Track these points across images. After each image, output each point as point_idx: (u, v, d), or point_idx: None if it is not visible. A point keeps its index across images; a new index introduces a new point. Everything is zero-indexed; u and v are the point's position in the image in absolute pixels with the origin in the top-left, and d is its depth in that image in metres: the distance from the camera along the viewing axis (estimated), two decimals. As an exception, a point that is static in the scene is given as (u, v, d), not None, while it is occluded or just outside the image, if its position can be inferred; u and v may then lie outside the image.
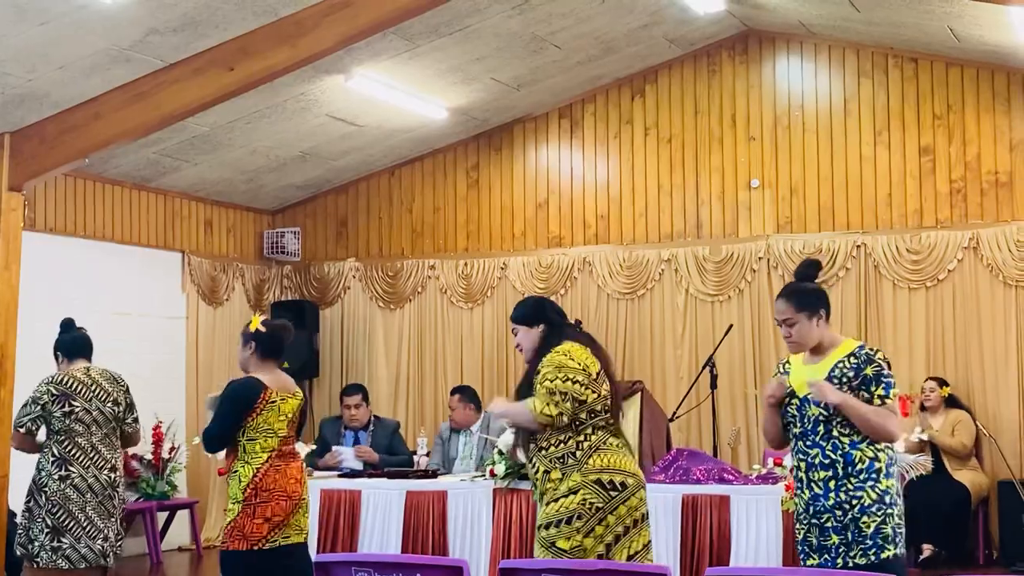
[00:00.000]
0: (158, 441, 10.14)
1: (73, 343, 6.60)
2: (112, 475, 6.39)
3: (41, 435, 6.40)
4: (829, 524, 4.57)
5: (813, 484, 4.60)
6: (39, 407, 6.34)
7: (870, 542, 4.50)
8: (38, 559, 6.27)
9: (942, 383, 9.35)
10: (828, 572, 4.35)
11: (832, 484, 4.55)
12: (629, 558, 4.84)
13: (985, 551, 9.26)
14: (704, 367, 8.72)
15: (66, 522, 6.26)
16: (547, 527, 4.88)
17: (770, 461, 7.20)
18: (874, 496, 4.51)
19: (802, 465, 4.67)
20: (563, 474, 4.90)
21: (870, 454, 4.53)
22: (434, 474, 7.78)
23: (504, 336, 10.84)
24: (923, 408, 9.33)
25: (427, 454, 8.46)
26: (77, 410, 6.33)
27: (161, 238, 10.97)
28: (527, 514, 6.99)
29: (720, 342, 9.31)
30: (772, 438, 4.88)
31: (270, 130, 10.18)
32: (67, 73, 8.19)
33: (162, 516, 10.39)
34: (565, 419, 4.90)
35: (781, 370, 4.85)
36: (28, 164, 6.54)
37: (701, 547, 6.76)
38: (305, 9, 5.95)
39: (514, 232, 11.31)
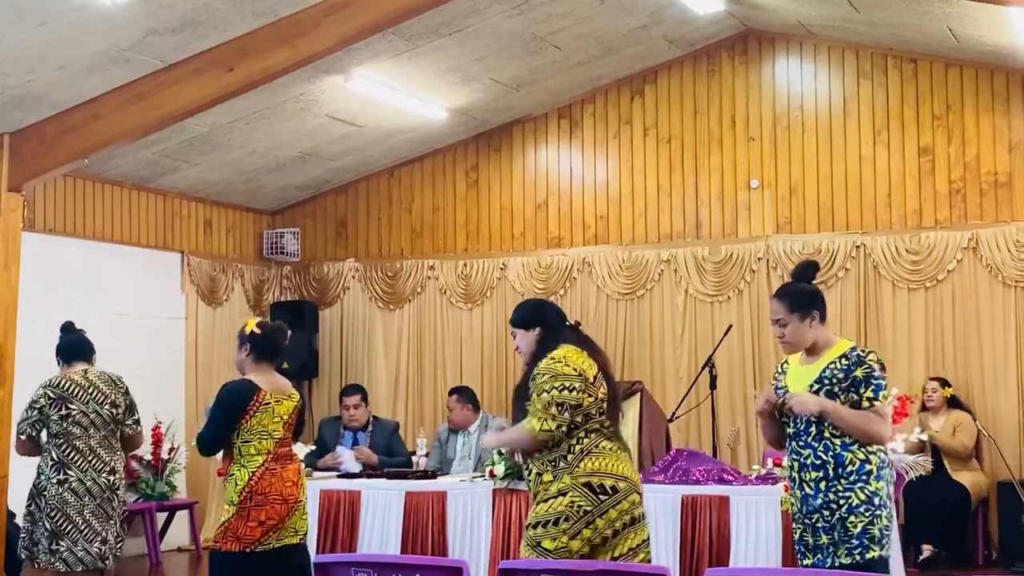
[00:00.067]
0: (157, 442, 10.14)
1: (71, 346, 6.59)
2: (111, 478, 6.38)
3: (44, 438, 6.41)
4: (819, 524, 4.61)
5: (805, 484, 4.64)
6: (37, 411, 6.36)
7: (855, 542, 4.53)
8: (38, 560, 6.29)
9: (944, 384, 9.35)
10: (826, 572, 4.36)
11: (823, 485, 4.59)
12: (615, 558, 4.83)
13: (984, 551, 9.26)
14: (703, 367, 8.72)
15: (64, 526, 6.26)
16: (534, 527, 4.89)
17: (769, 461, 7.20)
18: (863, 497, 4.53)
19: (795, 465, 4.72)
20: (554, 476, 4.91)
21: (861, 456, 4.55)
22: (433, 475, 7.78)
23: (503, 337, 10.84)
24: (925, 408, 9.33)
25: (426, 454, 8.47)
26: (74, 413, 6.33)
27: (160, 239, 10.97)
28: (526, 515, 6.98)
29: (719, 342, 9.31)
30: (772, 440, 4.95)
31: (269, 131, 10.18)
32: (66, 74, 8.19)
33: (161, 516, 10.39)
34: (564, 429, 4.89)
35: (780, 371, 4.89)
36: (27, 165, 6.54)
37: (700, 547, 6.76)
38: (304, 10, 5.95)
39: (513, 232, 11.31)
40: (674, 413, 8.76)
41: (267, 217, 12.22)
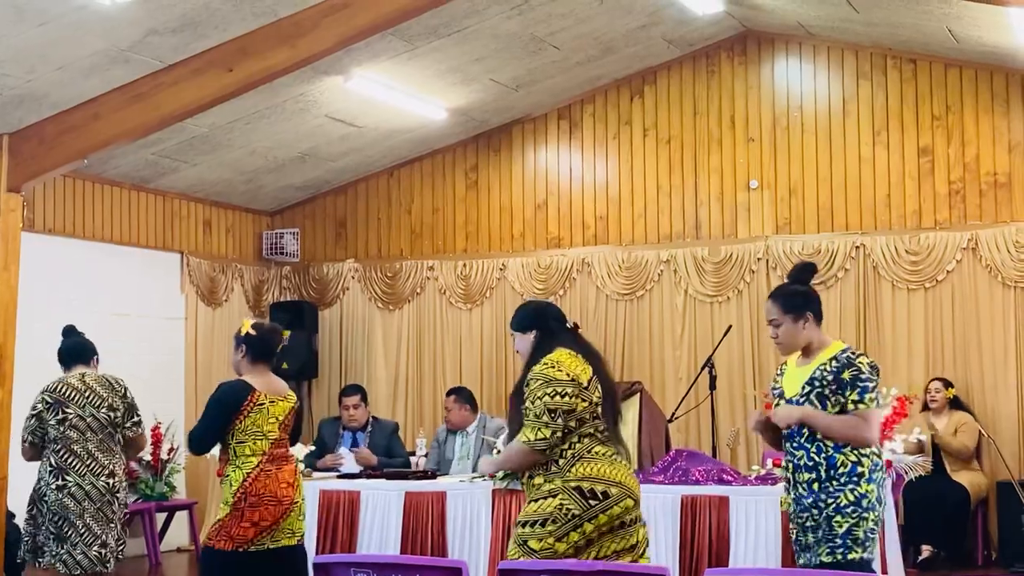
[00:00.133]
0: (157, 442, 10.13)
1: (71, 350, 6.60)
2: (110, 481, 6.37)
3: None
4: (809, 523, 4.66)
5: (799, 485, 4.68)
6: (35, 418, 6.38)
7: (839, 541, 4.56)
8: (40, 561, 6.31)
9: (947, 384, 9.36)
10: (825, 572, 4.37)
11: (816, 486, 4.62)
12: (597, 558, 4.83)
13: (984, 552, 9.26)
14: (703, 368, 8.72)
15: (66, 530, 6.27)
16: (523, 525, 4.90)
17: (769, 462, 7.20)
18: (851, 498, 4.56)
19: (789, 466, 4.77)
20: (545, 479, 4.91)
21: (853, 458, 4.58)
22: (433, 475, 7.78)
23: (503, 337, 10.85)
24: (927, 408, 9.34)
25: (425, 455, 8.47)
26: (71, 417, 6.33)
27: (160, 239, 10.97)
28: (525, 515, 6.98)
29: (719, 343, 9.31)
30: (772, 444, 5.01)
31: (269, 131, 10.18)
32: (66, 74, 8.19)
33: (161, 517, 10.39)
34: (559, 435, 4.88)
35: (779, 372, 4.93)
36: (27, 165, 6.53)
37: (700, 548, 6.76)
38: (304, 10, 5.95)
39: (513, 233, 11.31)
40: (674, 413, 8.76)
41: (266, 217, 12.22)
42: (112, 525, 6.39)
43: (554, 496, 4.84)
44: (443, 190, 11.61)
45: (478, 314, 11.33)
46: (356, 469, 8.32)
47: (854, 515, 4.53)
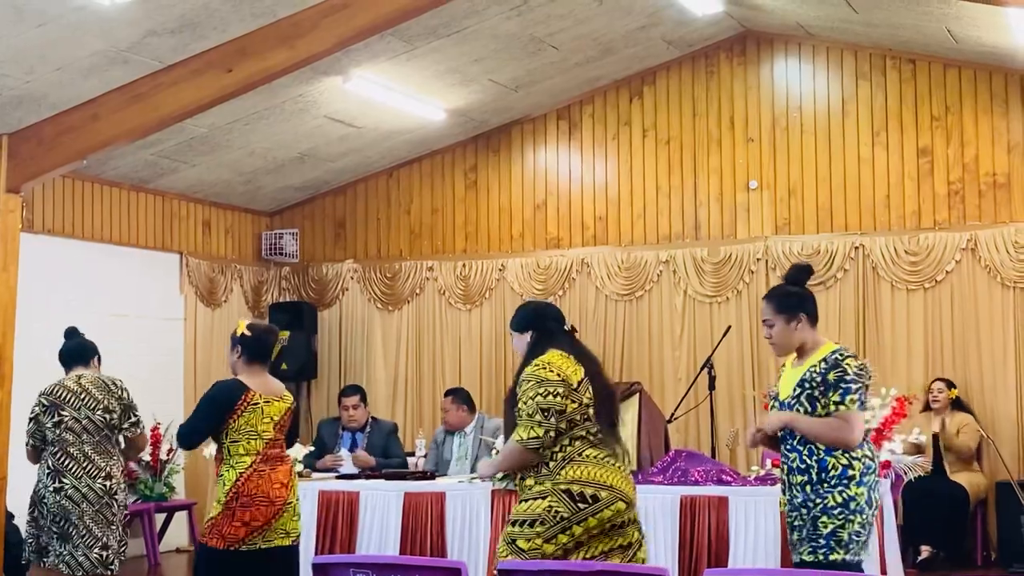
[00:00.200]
0: (156, 443, 10.12)
1: (70, 352, 6.63)
2: (107, 483, 6.36)
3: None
4: (797, 523, 4.70)
5: (793, 487, 4.72)
6: (33, 421, 6.41)
7: (822, 542, 4.59)
8: (45, 561, 6.32)
9: (950, 385, 9.36)
10: (824, 572, 4.38)
11: (808, 489, 4.64)
12: (586, 559, 4.83)
13: (983, 552, 9.27)
14: (702, 368, 8.72)
15: (67, 532, 6.28)
16: (512, 524, 4.93)
17: (768, 462, 7.21)
18: (839, 500, 4.57)
19: (784, 468, 4.81)
20: (536, 481, 4.93)
21: (844, 461, 4.60)
22: (432, 476, 7.78)
23: (502, 338, 10.85)
24: (929, 408, 9.35)
25: (425, 455, 8.46)
26: (67, 419, 6.34)
27: (159, 239, 10.97)
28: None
29: (718, 343, 9.31)
30: (774, 448, 5.00)
31: (268, 131, 10.18)
32: (65, 74, 8.19)
33: (160, 517, 10.39)
34: (552, 435, 4.88)
35: (779, 374, 4.95)
36: (26, 165, 6.52)
37: (699, 548, 6.76)
38: (303, 11, 5.95)
39: (512, 233, 11.31)
40: (673, 414, 8.76)
41: (266, 218, 12.22)
42: (113, 527, 6.38)
43: (544, 498, 4.85)
44: (442, 191, 11.61)
45: (477, 315, 11.33)
46: (355, 471, 8.32)
47: (840, 517, 4.55)
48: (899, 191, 10.00)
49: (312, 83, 9.32)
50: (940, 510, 8.89)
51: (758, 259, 10.29)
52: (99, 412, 6.39)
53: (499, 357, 11.09)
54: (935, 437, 9.19)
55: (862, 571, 4.68)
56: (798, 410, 4.67)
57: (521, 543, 4.83)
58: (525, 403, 4.91)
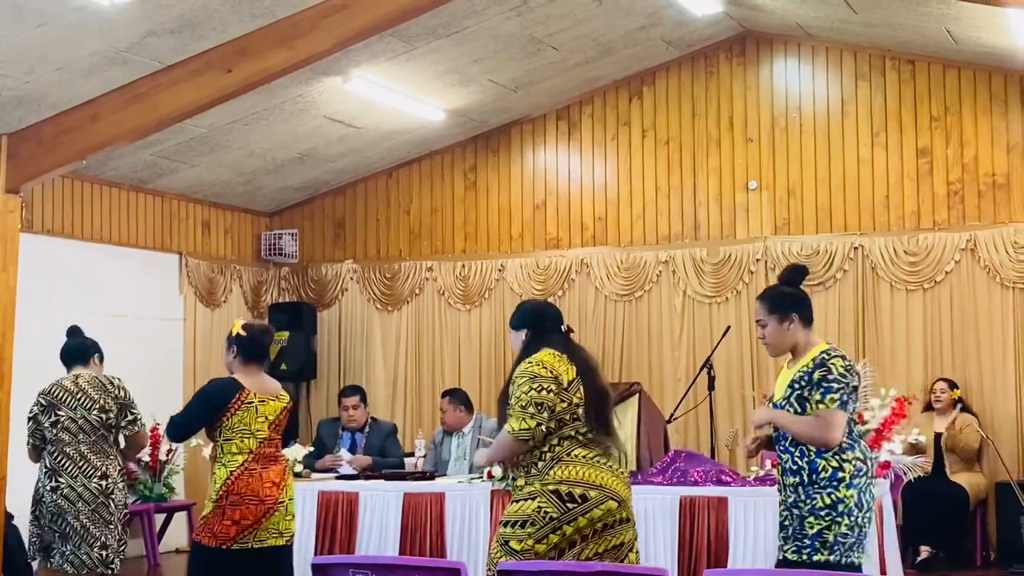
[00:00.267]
0: (155, 443, 10.12)
1: (71, 351, 6.66)
2: (103, 482, 6.37)
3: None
4: (787, 522, 4.71)
5: (787, 488, 4.73)
6: (32, 421, 6.44)
7: (807, 542, 4.59)
8: (51, 561, 6.34)
9: (952, 385, 9.36)
10: (822, 572, 4.38)
11: (800, 490, 4.65)
12: (588, 558, 4.84)
13: (983, 553, 9.27)
14: (702, 369, 8.71)
15: (65, 531, 6.31)
16: (504, 525, 4.94)
17: (767, 463, 7.20)
18: (828, 501, 4.57)
19: (778, 469, 4.83)
20: (527, 482, 4.95)
21: (834, 463, 4.60)
22: (431, 476, 7.78)
23: (502, 338, 10.84)
24: (931, 408, 9.35)
25: (424, 456, 8.46)
26: (63, 419, 6.36)
27: (158, 240, 10.97)
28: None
29: (718, 344, 9.31)
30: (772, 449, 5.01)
31: (268, 132, 10.18)
32: (65, 75, 8.19)
33: (159, 518, 10.38)
34: (543, 428, 4.88)
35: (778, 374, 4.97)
36: (26, 166, 6.52)
37: (699, 549, 6.76)
38: (302, 11, 5.94)
39: (512, 234, 11.31)
40: (672, 414, 8.75)
41: (265, 218, 12.22)
42: (111, 526, 6.39)
43: (533, 498, 4.87)
44: (442, 191, 11.61)
45: (477, 315, 11.33)
46: (354, 472, 8.31)
47: (827, 518, 4.56)
48: (898, 191, 10.00)
49: (311, 83, 9.33)
50: (940, 510, 8.89)
51: (757, 259, 10.29)
52: (95, 412, 6.41)
53: (498, 357, 11.09)
54: (937, 437, 9.19)
55: (861, 572, 4.68)
56: (789, 411, 4.68)
57: (513, 544, 4.85)
58: (517, 397, 4.93)
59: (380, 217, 11.87)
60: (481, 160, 11.47)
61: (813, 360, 4.67)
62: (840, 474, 4.57)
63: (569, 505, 4.82)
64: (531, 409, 4.87)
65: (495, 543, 4.96)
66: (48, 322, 8.10)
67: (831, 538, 4.54)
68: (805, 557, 4.57)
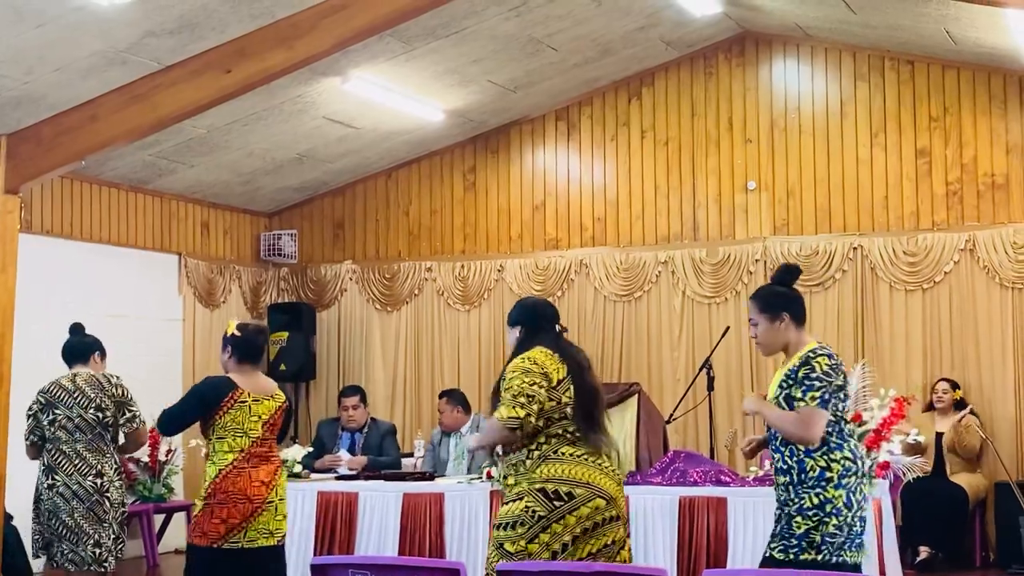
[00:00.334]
0: (154, 444, 10.12)
1: (71, 349, 6.69)
2: (98, 481, 6.39)
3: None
4: (777, 521, 4.72)
5: (779, 487, 4.75)
6: (32, 418, 6.47)
7: (794, 541, 4.59)
8: (55, 559, 6.38)
9: (955, 386, 9.36)
10: (820, 573, 4.38)
11: (790, 489, 4.66)
12: (582, 558, 4.85)
13: (982, 553, 9.27)
14: (701, 369, 8.72)
15: (60, 529, 6.33)
16: (498, 527, 4.96)
17: (767, 463, 7.19)
18: (815, 501, 4.58)
19: (772, 469, 4.85)
20: (516, 481, 4.97)
21: (822, 463, 4.60)
22: (431, 476, 7.78)
23: (501, 338, 10.84)
24: (932, 408, 9.35)
25: (423, 456, 8.46)
26: (60, 418, 6.40)
27: (158, 240, 10.96)
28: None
29: (717, 344, 9.31)
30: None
31: (267, 132, 10.18)
32: (64, 75, 8.19)
33: (159, 518, 10.38)
34: (533, 420, 4.90)
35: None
36: (25, 166, 6.52)
37: (698, 549, 6.76)
38: (302, 11, 5.94)
39: (511, 234, 11.31)
40: (672, 414, 8.75)
41: (264, 219, 12.22)
42: (105, 525, 6.40)
43: (521, 499, 4.89)
44: (441, 191, 11.61)
45: (476, 315, 11.33)
46: (353, 472, 8.31)
47: (814, 519, 4.56)
48: (897, 192, 10.00)
49: (311, 84, 9.33)
50: (939, 511, 8.89)
51: (756, 260, 10.29)
52: (91, 410, 6.43)
53: (498, 358, 11.07)
54: (938, 437, 9.19)
55: (860, 572, 4.68)
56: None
57: (507, 546, 4.87)
58: (509, 387, 4.96)
59: (379, 217, 11.87)
60: (480, 161, 11.47)
61: (800, 358, 4.68)
62: (828, 474, 4.58)
63: (556, 503, 4.84)
64: (522, 399, 4.89)
65: (491, 547, 4.99)
66: (47, 323, 8.11)
67: (818, 538, 4.55)
68: (792, 556, 4.57)
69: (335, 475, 8.19)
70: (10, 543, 6.94)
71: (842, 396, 4.63)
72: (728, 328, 9.70)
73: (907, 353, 9.83)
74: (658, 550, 6.76)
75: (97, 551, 6.35)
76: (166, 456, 10.30)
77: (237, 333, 5.59)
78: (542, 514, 4.84)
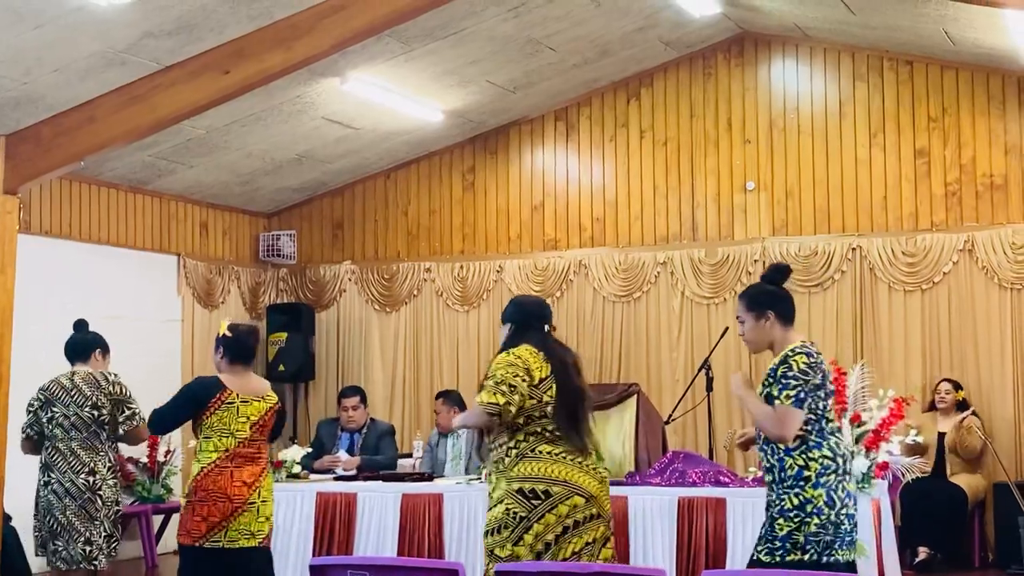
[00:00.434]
0: (153, 444, 10.12)
1: (73, 346, 6.75)
2: (90, 479, 6.41)
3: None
4: (764, 522, 4.74)
5: (767, 486, 4.77)
6: (32, 413, 6.50)
7: (778, 544, 4.60)
8: (52, 558, 6.42)
9: (957, 387, 9.36)
10: (821, 574, 4.38)
11: (773, 488, 4.69)
12: (566, 559, 4.85)
13: (981, 553, 9.27)
14: (700, 370, 8.70)
15: (53, 527, 6.36)
16: (486, 535, 5.02)
17: (766, 464, 7.18)
18: (795, 502, 4.59)
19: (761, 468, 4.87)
20: (496, 479, 4.99)
21: (800, 462, 4.61)
22: (430, 477, 7.79)
23: (500, 339, 10.83)
24: (934, 408, 9.35)
25: (421, 457, 8.46)
26: (57, 416, 6.44)
27: (157, 241, 10.96)
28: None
29: (716, 345, 9.30)
30: None
31: (266, 133, 10.18)
32: (62, 76, 8.19)
33: (157, 519, 10.38)
34: (513, 409, 4.92)
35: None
36: (23, 167, 6.51)
37: (697, 549, 6.76)
38: (300, 12, 5.94)
39: (510, 235, 11.31)
40: (671, 415, 8.75)
41: (263, 219, 12.22)
42: (96, 522, 6.41)
43: (501, 502, 4.94)
44: (440, 192, 11.61)
45: (475, 316, 11.33)
46: (352, 472, 8.31)
47: (796, 520, 4.56)
48: (896, 192, 10.00)
49: (309, 84, 9.32)
50: (938, 512, 8.89)
51: (755, 260, 10.29)
52: (87, 408, 6.45)
53: (497, 358, 11.07)
54: (940, 437, 9.19)
55: (855, 571, 4.68)
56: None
57: (498, 552, 4.92)
58: (492, 374, 5.01)
59: (378, 218, 11.87)
60: (479, 161, 11.47)
61: (780, 357, 4.69)
62: (806, 473, 4.58)
63: (534, 502, 4.86)
64: (503, 387, 4.94)
65: (484, 555, 5.02)
66: (46, 324, 8.11)
67: (801, 539, 4.55)
68: (778, 558, 4.57)
69: (334, 476, 8.19)
70: (9, 544, 6.93)
71: (821, 395, 4.62)
72: (727, 329, 9.69)
73: (906, 354, 9.83)
74: (657, 551, 6.76)
75: (88, 549, 6.37)
76: (165, 457, 10.30)
77: (228, 334, 5.63)
78: (523, 515, 4.86)
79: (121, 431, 6.60)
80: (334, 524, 7.56)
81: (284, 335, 11.45)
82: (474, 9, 8.56)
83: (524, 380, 4.97)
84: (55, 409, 6.45)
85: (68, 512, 6.37)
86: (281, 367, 11.40)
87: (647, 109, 10.84)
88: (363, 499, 7.58)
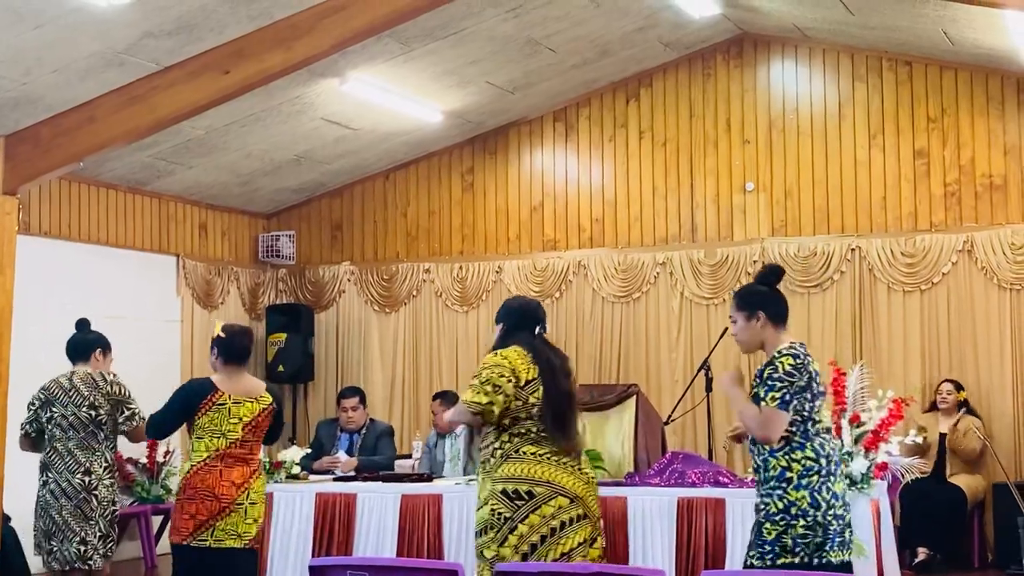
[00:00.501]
0: (152, 445, 10.12)
1: (73, 346, 6.77)
2: (86, 479, 6.41)
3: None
4: (753, 526, 4.75)
5: (755, 485, 4.80)
6: (33, 411, 6.50)
7: (767, 547, 4.61)
8: (49, 558, 6.41)
9: (959, 387, 9.36)
10: (818, 574, 4.38)
11: (760, 488, 4.72)
12: (556, 559, 4.86)
13: (980, 554, 9.27)
14: (699, 370, 8.70)
15: (50, 526, 6.38)
16: (476, 536, 5.04)
17: (765, 464, 7.18)
18: (780, 506, 4.60)
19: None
20: (483, 479, 5.02)
21: (783, 463, 4.62)
22: (429, 478, 7.78)
23: (499, 339, 10.84)
24: (935, 408, 9.35)
25: (420, 458, 8.46)
26: (56, 416, 6.46)
27: (156, 242, 10.96)
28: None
29: (715, 345, 9.29)
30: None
31: (265, 133, 10.18)
32: (61, 76, 8.19)
33: (157, 519, 10.38)
34: (496, 410, 4.93)
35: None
36: (23, 168, 6.51)
37: (696, 550, 6.75)
38: (300, 12, 5.94)
39: (509, 235, 11.31)
40: (670, 416, 8.74)
41: (262, 220, 12.22)
42: (91, 522, 6.41)
43: (487, 503, 4.95)
44: (439, 193, 11.61)
45: (474, 316, 11.33)
46: (351, 473, 8.31)
47: (782, 523, 4.57)
48: (895, 193, 10.01)
49: (309, 85, 9.32)
50: (938, 512, 8.90)
51: (755, 261, 10.29)
52: (84, 408, 6.46)
53: (496, 359, 11.08)
54: (942, 438, 9.19)
55: (851, 572, 4.68)
56: None
57: (486, 552, 4.95)
58: (479, 373, 5.04)
59: (377, 219, 11.87)
60: (479, 162, 11.47)
61: (768, 358, 4.70)
62: (788, 474, 4.59)
63: (517, 503, 4.88)
64: (488, 387, 4.96)
65: (476, 556, 5.04)
66: (45, 325, 8.11)
67: (789, 541, 4.55)
68: (768, 562, 4.56)
69: (333, 476, 8.18)
70: (8, 544, 6.95)
71: (808, 396, 4.60)
72: (726, 329, 9.65)
73: (905, 354, 9.83)
74: (656, 551, 6.76)
75: (82, 549, 6.37)
76: (164, 457, 10.30)
77: (222, 335, 5.68)
78: (507, 515, 4.88)
79: (121, 431, 6.62)
80: (333, 525, 7.56)
81: (283, 336, 11.45)
82: (473, 9, 8.56)
83: (510, 381, 4.99)
84: (54, 409, 6.46)
85: (64, 512, 6.38)
86: (280, 368, 11.40)
87: (646, 110, 10.85)
88: (362, 500, 7.57)
